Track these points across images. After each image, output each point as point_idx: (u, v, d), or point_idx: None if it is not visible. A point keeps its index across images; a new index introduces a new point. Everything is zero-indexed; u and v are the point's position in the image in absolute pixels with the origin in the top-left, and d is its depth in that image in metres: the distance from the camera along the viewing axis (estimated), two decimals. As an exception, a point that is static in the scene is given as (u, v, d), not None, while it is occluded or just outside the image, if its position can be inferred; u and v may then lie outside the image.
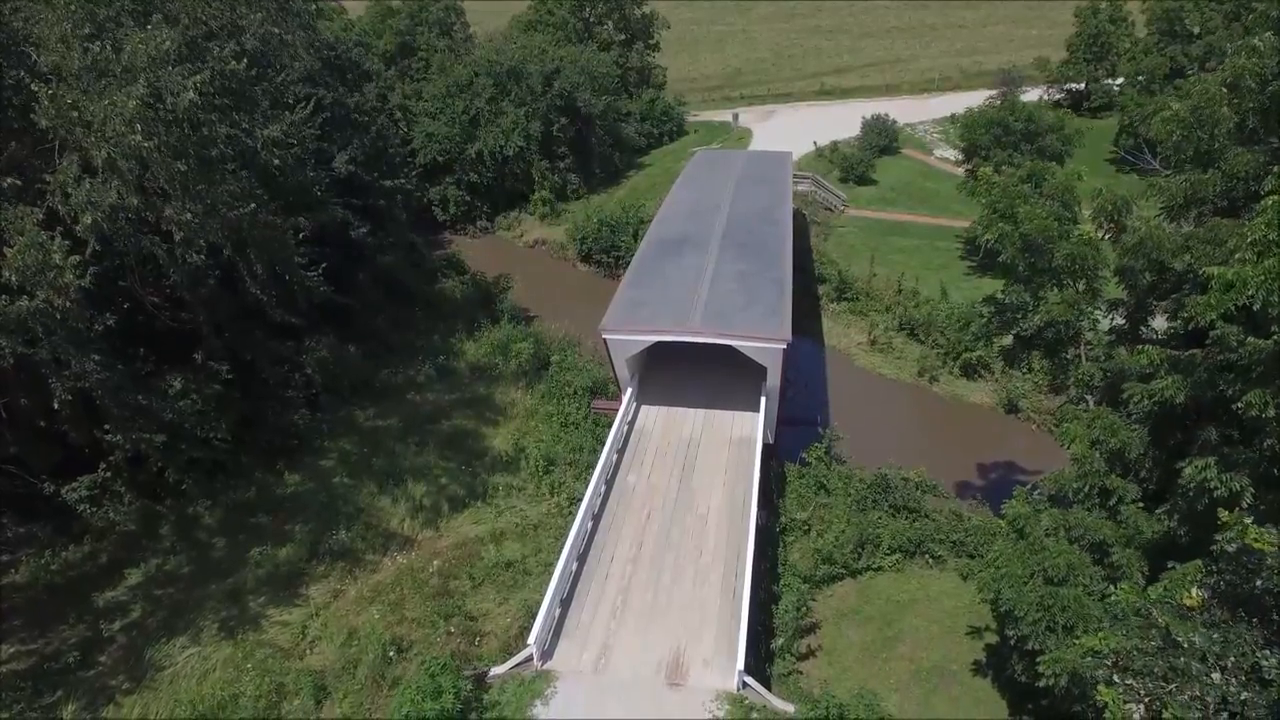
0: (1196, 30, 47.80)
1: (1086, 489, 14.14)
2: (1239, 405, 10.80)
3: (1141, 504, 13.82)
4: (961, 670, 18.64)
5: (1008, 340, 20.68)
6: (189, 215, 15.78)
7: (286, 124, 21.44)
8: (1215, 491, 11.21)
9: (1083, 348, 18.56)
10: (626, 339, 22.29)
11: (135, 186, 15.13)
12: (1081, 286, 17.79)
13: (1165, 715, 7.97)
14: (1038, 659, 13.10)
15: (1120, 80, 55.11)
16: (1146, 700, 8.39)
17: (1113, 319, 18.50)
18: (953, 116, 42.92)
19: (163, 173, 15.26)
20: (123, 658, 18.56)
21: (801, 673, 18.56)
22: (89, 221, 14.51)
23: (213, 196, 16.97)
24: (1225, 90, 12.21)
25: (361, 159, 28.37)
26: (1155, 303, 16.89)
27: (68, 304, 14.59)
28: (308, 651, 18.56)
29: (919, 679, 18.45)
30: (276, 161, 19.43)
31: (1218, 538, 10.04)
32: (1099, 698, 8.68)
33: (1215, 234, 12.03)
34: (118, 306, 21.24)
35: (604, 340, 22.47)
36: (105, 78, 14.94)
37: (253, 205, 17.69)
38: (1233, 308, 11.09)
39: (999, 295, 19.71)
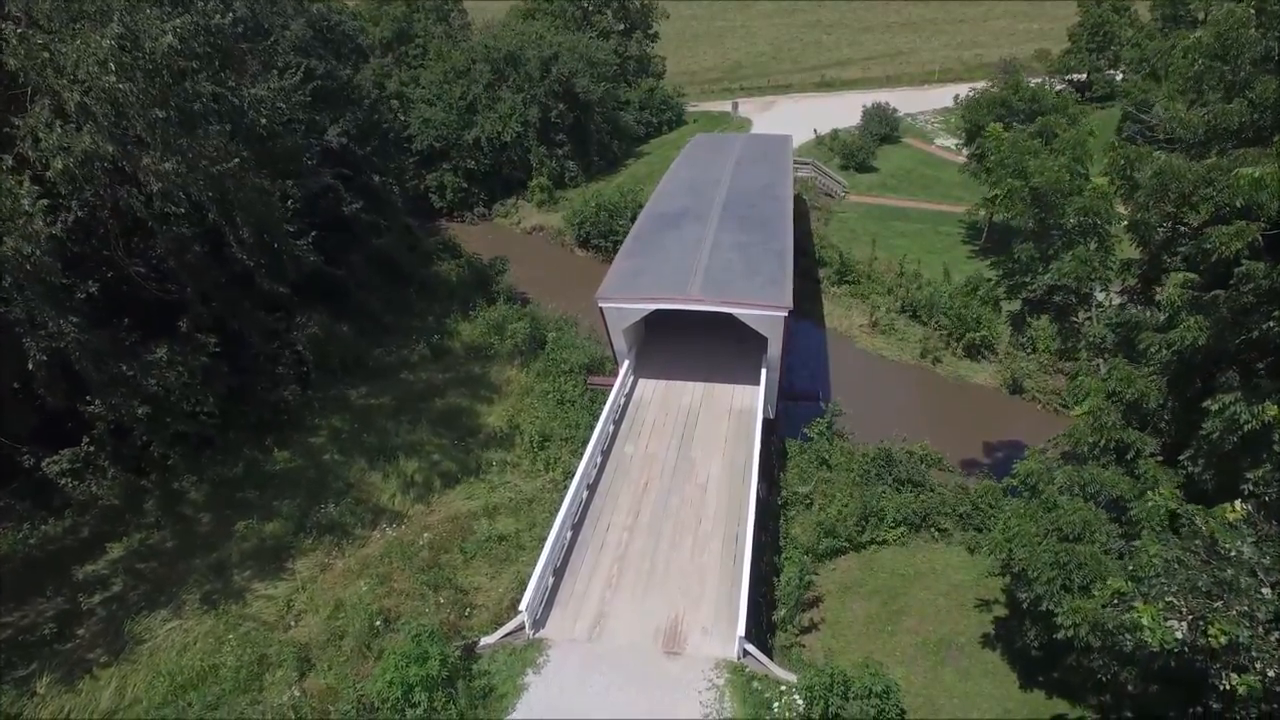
0: (1202, 16, 47.30)
1: (1102, 443, 13.52)
2: (1270, 324, 10.18)
3: (1160, 457, 13.20)
4: (970, 643, 18.01)
5: (1015, 305, 20.12)
6: (168, 166, 15.19)
7: (275, 87, 20.91)
8: (1245, 426, 10.61)
9: (1094, 310, 18.00)
10: (624, 307, 21.70)
11: (110, 133, 14.53)
12: (1094, 245, 17.25)
13: (1211, 631, 7.30)
14: (1054, 617, 12.52)
15: (1122, 72, 54.61)
16: (1190, 618, 7.74)
17: (1125, 280, 17.93)
18: (956, 97, 42.30)
19: (140, 120, 14.67)
20: (101, 631, 17.89)
21: (804, 645, 17.94)
22: (60, 167, 13.90)
23: (195, 150, 16.38)
24: (1253, 12, 11.64)
25: (355, 132, 27.78)
26: (1169, 259, 16.29)
27: (37, 252, 13.96)
28: (292, 624, 17.91)
29: (926, 652, 17.82)
30: (264, 121, 18.81)
31: (1253, 481, 9.38)
32: (1135, 615, 8.02)
33: (1240, 164, 11.44)
34: (100, 275, 20.72)
35: (600, 309, 21.87)
36: (79, 20, 14.37)
37: (236, 160, 17.10)
38: (1259, 238, 10.49)
39: (1007, 259, 19.16)
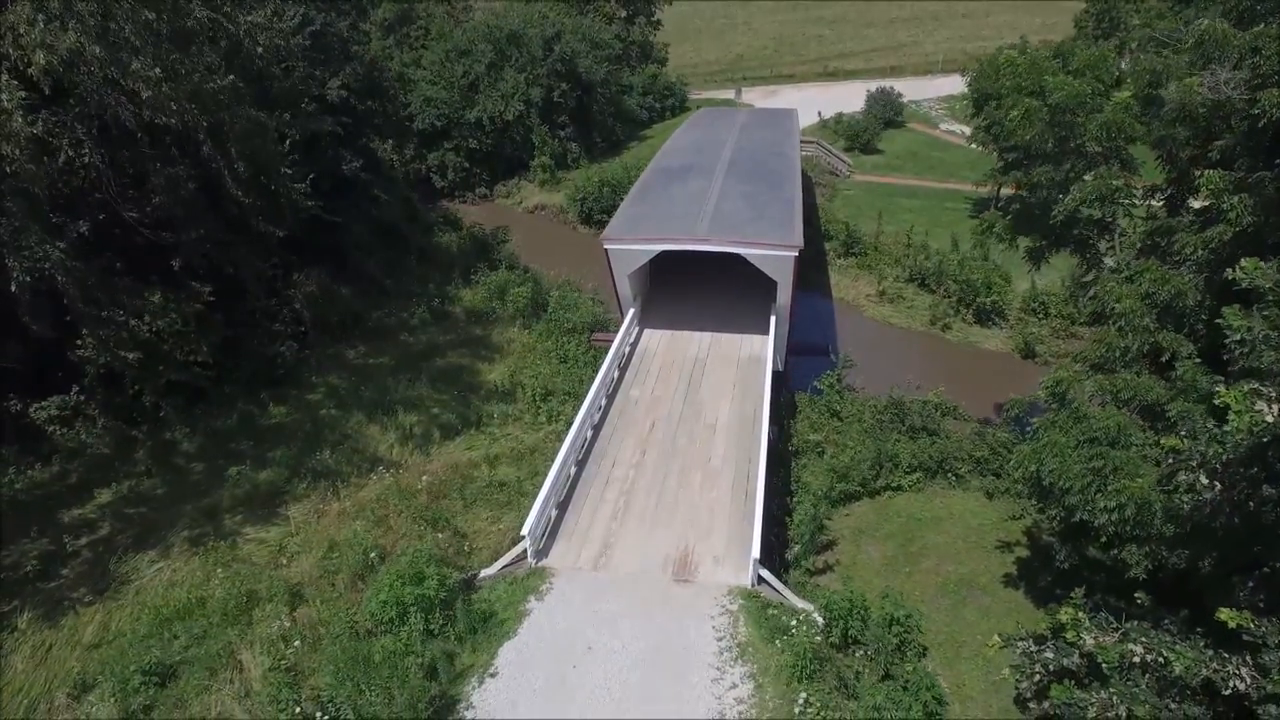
0: (1211, -5, 46.89)
1: (1135, 347, 12.85)
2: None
3: (1198, 360, 12.50)
4: (991, 583, 17.28)
5: (1032, 241, 19.50)
6: (159, 72, 14.62)
7: (275, 26, 20.39)
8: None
9: (1117, 238, 17.36)
10: (630, 249, 21.09)
11: (97, 35, 13.97)
12: (1116, 167, 16.65)
13: (1305, 405, 6.63)
14: (1089, 526, 11.83)
15: (1130, 54, 54.24)
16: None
17: (1149, 204, 17.34)
18: (963, 70, 41.96)
19: (129, 22, 14.13)
20: (86, 572, 17.16)
21: (819, 586, 17.17)
22: (42, 62, 13.31)
23: (186, 67, 15.84)
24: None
25: (355, 86, 27.26)
26: (1198, 175, 15.67)
27: (17, 152, 13.35)
28: (284, 563, 17.17)
29: (946, 591, 17.09)
30: (260, 50, 18.28)
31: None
32: (1219, 400, 7.30)
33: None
34: (92, 217, 20.14)
35: (606, 251, 21.26)
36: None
37: (231, 77, 16.55)
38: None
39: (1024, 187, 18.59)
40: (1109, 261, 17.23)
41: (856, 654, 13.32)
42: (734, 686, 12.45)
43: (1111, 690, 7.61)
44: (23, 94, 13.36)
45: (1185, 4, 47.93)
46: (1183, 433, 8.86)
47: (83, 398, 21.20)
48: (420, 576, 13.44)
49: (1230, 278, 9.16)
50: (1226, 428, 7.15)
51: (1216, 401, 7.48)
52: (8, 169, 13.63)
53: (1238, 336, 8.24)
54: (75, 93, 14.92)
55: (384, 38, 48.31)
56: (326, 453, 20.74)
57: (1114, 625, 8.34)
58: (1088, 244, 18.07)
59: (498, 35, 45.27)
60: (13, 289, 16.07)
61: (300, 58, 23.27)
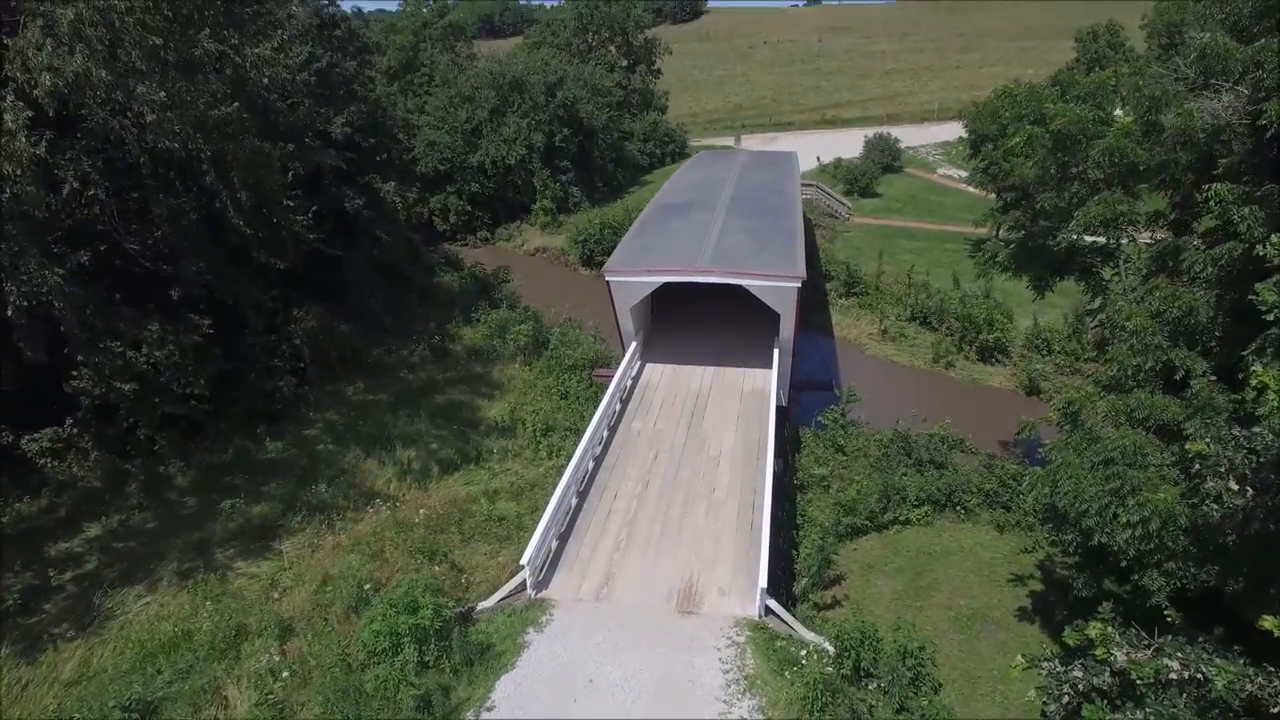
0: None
1: (1148, 366, 12.60)
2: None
3: (1213, 377, 12.25)
4: (1005, 617, 16.72)
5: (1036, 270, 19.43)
6: (163, 96, 14.68)
7: (281, 61, 20.65)
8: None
9: (1121, 264, 17.27)
10: (632, 280, 21.00)
11: (104, 60, 14.05)
12: (1119, 192, 16.65)
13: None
14: (1106, 551, 11.42)
15: (1121, 110, 55.38)
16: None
17: (1153, 231, 17.31)
18: (959, 115, 42.61)
19: (136, 48, 14.23)
20: (70, 607, 16.57)
21: (827, 620, 16.60)
22: (48, 84, 13.34)
23: (191, 94, 15.94)
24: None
25: (359, 124, 27.55)
26: (1206, 190, 15.65)
27: (19, 173, 13.30)
28: (276, 598, 16.62)
29: (959, 626, 16.51)
30: (266, 80, 18.45)
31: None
32: (1255, 380, 7.02)
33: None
34: (93, 247, 20.11)
35: (608, 284, 21.17)
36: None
37: (236, 105, 16.65)
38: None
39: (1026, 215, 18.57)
40: (1115, 288, 17.11)
41: (869, 687, 12.76)
42: (743, 721, 11.87)
43: (1148, 710, 7.17)
44: (29, 114, 13.35)
45: (1173, 53, 49.16)
46: (1208, 439, 8.57)
47: (76, 430, 20.89)
48: (415, 606, 12.94)
49: (1261, 253, 8.96)
50: (1256, 429, 6.87)
51: (1253, 381, 7.21)
52: (9, 190, 13.56)
53: (1271, 315, 8.00)
54: (83, 125, 14.95)
55: (389, 84, 49.17)
56: (322, 487, 20.29)
57: (1146, 641, 7.93)
58: (1092, 272, 18.01)
59: (501, 81, 46.11)
60: (9, 313, 15.92)
61: (305, 93, 23.55)
